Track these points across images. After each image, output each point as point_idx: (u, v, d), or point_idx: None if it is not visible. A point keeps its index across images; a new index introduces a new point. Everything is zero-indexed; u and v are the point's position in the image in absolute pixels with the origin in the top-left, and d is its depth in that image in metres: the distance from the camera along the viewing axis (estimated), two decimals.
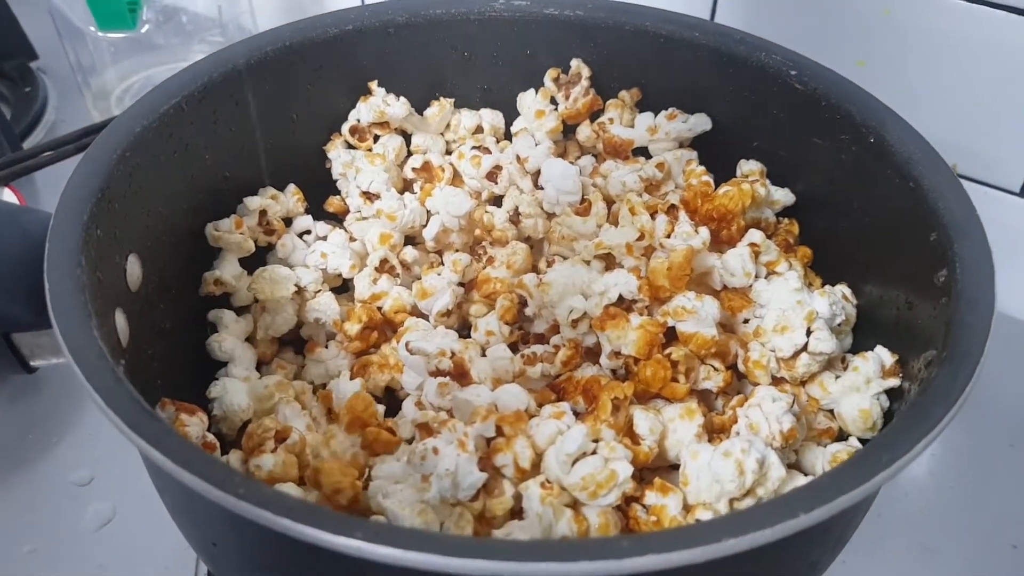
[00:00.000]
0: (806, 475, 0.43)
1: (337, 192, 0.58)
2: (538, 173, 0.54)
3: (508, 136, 0.59)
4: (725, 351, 0.46)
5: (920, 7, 0.62)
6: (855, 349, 0.47)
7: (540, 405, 0.44)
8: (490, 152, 0.55)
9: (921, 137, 0.44)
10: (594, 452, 0.39)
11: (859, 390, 0.43)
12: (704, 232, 0.47)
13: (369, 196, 0.55)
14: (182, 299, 0.49)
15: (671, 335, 0.45)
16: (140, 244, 0.44)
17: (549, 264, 0.51)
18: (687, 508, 0.40)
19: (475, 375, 0.45)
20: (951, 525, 0.56)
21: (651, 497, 0.40)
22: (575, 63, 0.57)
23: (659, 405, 0.44)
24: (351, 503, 0.37)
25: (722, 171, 0.53)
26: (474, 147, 0.56)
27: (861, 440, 0.44)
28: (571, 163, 0.55)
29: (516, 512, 0.39)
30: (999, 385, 0.62)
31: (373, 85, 0.56)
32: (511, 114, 0.59)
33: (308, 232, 0.56)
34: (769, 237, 0.50)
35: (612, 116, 0.57)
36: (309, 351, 0.52)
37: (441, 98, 0.58)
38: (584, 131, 0.58)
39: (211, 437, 0.42)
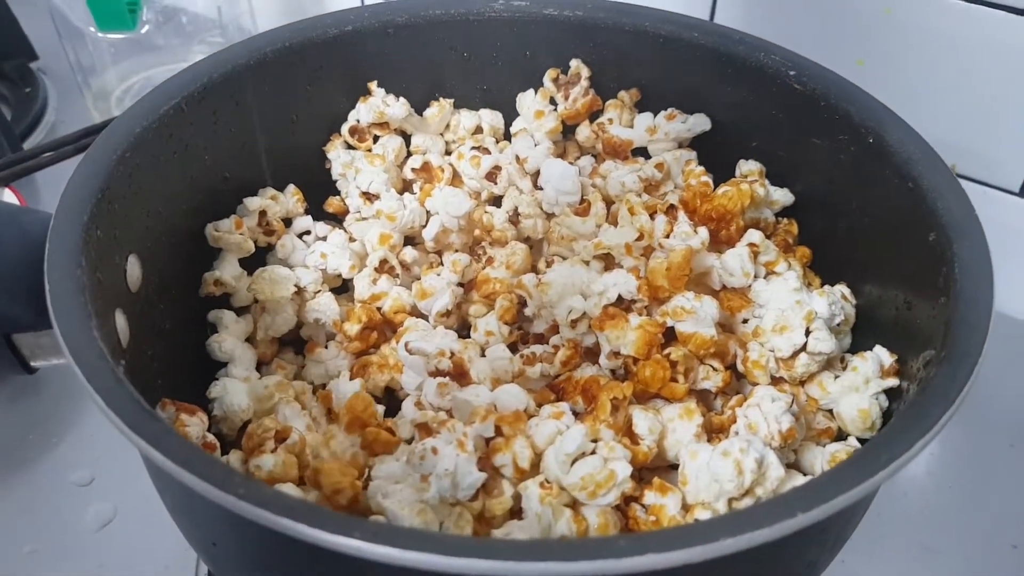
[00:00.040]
0: (805, 475, 0.43)
1: (337, 192, 0.58)
2: (537, 173, 0.55)
3: (507, 136, 0.60)
4: (724, 351, 0.46)
5: (920, 7, 0.62)
6: (854, 349, 0.47)
7: (539, 405, 0.44)
8: (489, 152, 0.55)
9: (920, 137, 0.45)
10: (593, 452, 0.40)
11: (858, 390, 0.43)
12: (703, 232, 0.47)
13: (369, 196, 0.55)
14: (182, 299, 0.49)
15: (670, 335, 0.46)
16: (140, 245, 0.44)
17: (548, 264, 0.51)
18: (686, 508, 0.40)
19: (474, 375, 0.46)
20: (951, 525, 0.56)
21: (650, 497, 0.40)
22: (574, 63, 0.57)
23: (658, 405, 0.44)
24: (351, 503, 0.37)
25: (721, 171, 0.54)
26: (473, 147, 0.56)
27: (860, 440, 0.44)
28: (570, 163, 0.55)
29: (515, 512, 0.39)
30: (999, 385, 0.62)
31: (373, 86, 0.56)
32: (510, 114, 0.59)
33: (308, 232, 0.56)
34: (768, 237, 0.50)
35: (611, 116, 0.57)
36: (309, 351, 0.52)
37: (441, 99, 0.58)
38: (583, 131, 0.58)
39: (211, 437, 0.42)
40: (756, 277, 0.48)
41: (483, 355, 0.48)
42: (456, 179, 0.57)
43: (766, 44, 0.51)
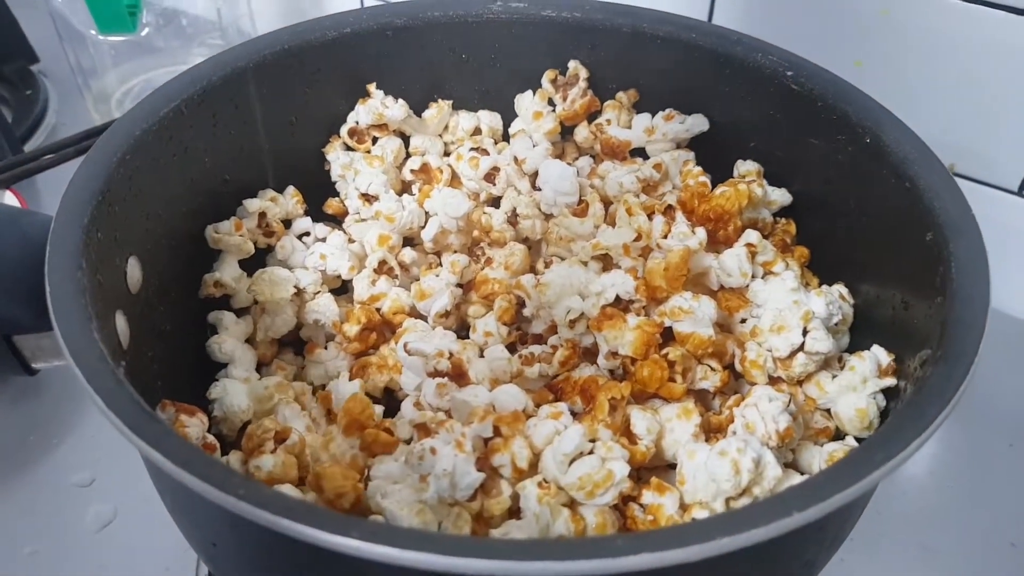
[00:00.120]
0: (803, 474, 0.43)
1: (336, 194, 0.58)
2: (536, 174, 0.55)
3: (506, 137, 0.60)
4: (722, 351, 0.46)
5: (919, 7, 0.62)
6: (852, 348, 0.47)
7: (538, 405, 0.44)
8: (488, 154, 0.55)
9: (917, 137, 0.45)
10: (591, 452, 0.40)
11: (856, 389, 0.43)
12: (701, 232, 0.47)
13: (368, 198, 0.55)
14: (182, 301, 0.49)
15: (668, 335, 0.46)
16: (140, 247, 0.44)
17: (547, 265, 0.52)
18: (684, 507, 0.40)
19: (473, 376, 0.46)
20: (950, 524, 0.56)
21: (648, 496, 0.40)
22: (573, 65, 0.57)
23: (656, 405, 0.44)
24: (354, 506, 0.38)
25: (719, 172, 0.54)
26: (472, 149, 0.56)
27: (858, 439, 0.44)
28: (569, 164, 0.55)
29: (514, 512, 0.39)
30: (998, 384, 0.62)
31: (371, 87, 0.56)
32: (509, 116, 0.60)
33: (307, 234, 0.56)
34: (766, 237, 0.50)
35: (610, 117, 0.57)
36: (308, 352, 0.52)
37: (439, 100, 0.58)
38: (582, 132, 0.58)
39: (211, 438, 0.42)
40: (754, 277, 0.48)
41: (482, 356, 0.48)
42: (455, 180, 0.57)
43: (764, 45, 0.52)
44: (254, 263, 0.52)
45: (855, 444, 0.43)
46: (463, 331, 0.51)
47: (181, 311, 0.48)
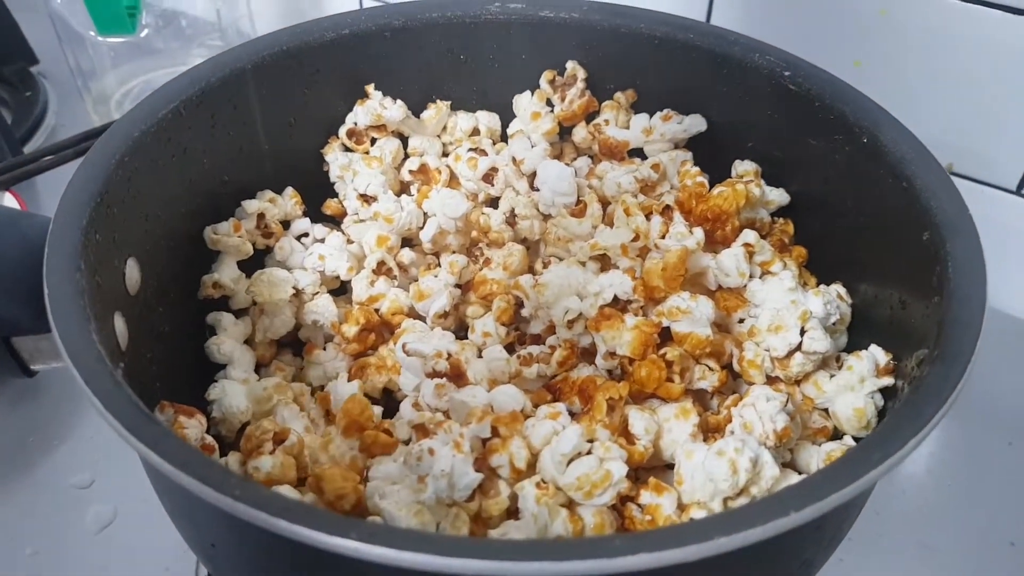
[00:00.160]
0: (801, 474, 0.43)
1: (335, 195, 0.58)
2: (534, 175, 0.55)
3: (504, 138, 0.60)
4: (720, 351, 0.46)
5: (917, 7, 0.62)
6: (850, 348, 0.47)
7: (536, 406, 0.44)
8: (486, 154, 0.56)
9: (914, 137, 0.45)
10: (589, 452, 0.40)
11: (853, 389, 0.43)
12: (698, 232, 0.47)
13: (366, 198, 0.55)
14: (181, 302, 0.49)
15: (666, 335, 0.46)
16: (139, 248, 0.44)
17: (545, 265, 0.52)
18: (682, 507, 0.40)
19: (471, 376, 0.46)
20: (949, 523, 0.56)
21: (646, 496, 0.40)
22: (571, 65, 0.57)
23: (654, 405, 0.44)
24: (354, 507, 0.38)
25: (717, 172, 0.54)
26: (470, 149, 0.56)
27: (856, 439, 0.44)
28: (567, 165, 0.55)
29: (512, 512, 0.39)
30: (997, 383, 0.62)
31: (370, 88, 0.56)
32: (507, 116, 0.60)
33: (306, 235, 0.56)
34: (764, 237, 0.50)
35: (608, 118, 0.57)
36: (307, 353, 0.52)
37: (438, 101, 0.59)
38: (580, 133, 0.58)
39: (210, 439, 0.42)
40: (752, 277, 0.48)
41: (480, 356, 0.48)
42: (453, 181, 0.57)
43: (761, 45, 0.52)
44: (253, 264, 0.53)
45: (853, 444, 0.43)
46: (462, 332, 0.52)
47: (180, 312, 0.48)
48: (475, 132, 0.59)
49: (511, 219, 0.54)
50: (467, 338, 0.50)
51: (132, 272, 0.43)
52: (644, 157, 0.57)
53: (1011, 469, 0.59)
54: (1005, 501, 0.57)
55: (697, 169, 0.54)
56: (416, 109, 0.58)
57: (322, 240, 0.56)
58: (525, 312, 0.49)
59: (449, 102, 0.59)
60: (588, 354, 0.48)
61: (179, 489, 0.30)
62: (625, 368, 0.45)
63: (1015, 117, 0.63)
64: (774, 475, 0.39)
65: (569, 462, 0.39)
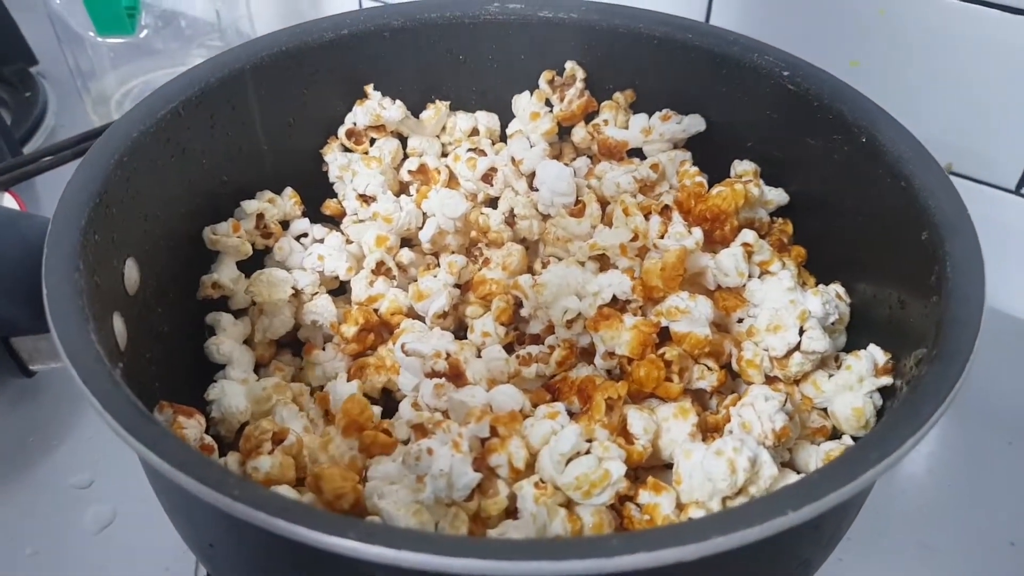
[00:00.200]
0: (800, 473, 0.43)
1: (334, 195, 0.58)
2: (533, 175, 0.55)
3: (503, 138, 0.60)
4: (719, 350, 0.46)
5: (916, 7, 0.62)
6: (849, 348, 0.47)
7: (535, 405, 0.44)
8: (485, 154, 0.56)
9: (912, 136, 0.45)
10: (588, 452, 0.40)
11: (852, 388, 0.43)
12: (697, 232, 0.47)
13: (365, 199, 0.55)
14: (180, 302, 0.49)
15: (665, 335, 0.46)
16: (138, 248, 0.44)
17: (544, 265, 0.51)
18: (680, 507, 0.40)
19: (470, 376, 0.46)
20: (949, 522, 0.56)
21: (645, 496, 0.40)
22: (570, 65, 0.57)
23: (653, 404, 0.44)
24: (353, 507, 0.38)
25: (716, 171, 0.54)
26: (470, 149, 0.56)
27: (854, 438, 0.44)
28: (566, 165, 0.55)
29: (511, 512, 0.39)
30: (996, 382, 0.62)
31: (369, 88, 0.56)
32: (506, 116, 0.60)
33: (305, 235, 0.56)
34: (763, 237, 0.50)
35: (607, 118, 0.57)
36: (306, 353, 0.52)
37: (437, 101, 0.59)
38: (579, 133, 0.58)
39: (209, 439, 0.42)
40: (750, 277, 0.48)
41: (479, 356, 0.48)
42: (452, 181, 0.57)
43: (760, 45, 0.52)
44: (252, 264, 0.53)
45: (852, 443, 0.43)
46: (461, 332, 0.52)
47: (179, 312, 0.48)
48: (474, 132, 0.59)
49: (510, 219, 0.54)
50: (466, 338, 0.50)
51: (131, 272, 0.43)
52: (643, 157, 0.57)
53: (1011, 469, 0.59)
54: (1005, 501, 0.57)
55: (696, 169, 0.54)
56: (415, 109, 0.58)
57: (321, 240, 0.56)
58: (524, 312, 0.49)
59: (448, 102, 0.59)
60: (587, 354, 0.48)
61: (177, 489, 0.30)
62: (624, 368, 0.45)
63: (1014, 117, 0.63)
64: (773, 475, 0.39)
65: (568, 462, 0.39)
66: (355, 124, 0.57)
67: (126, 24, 0.77)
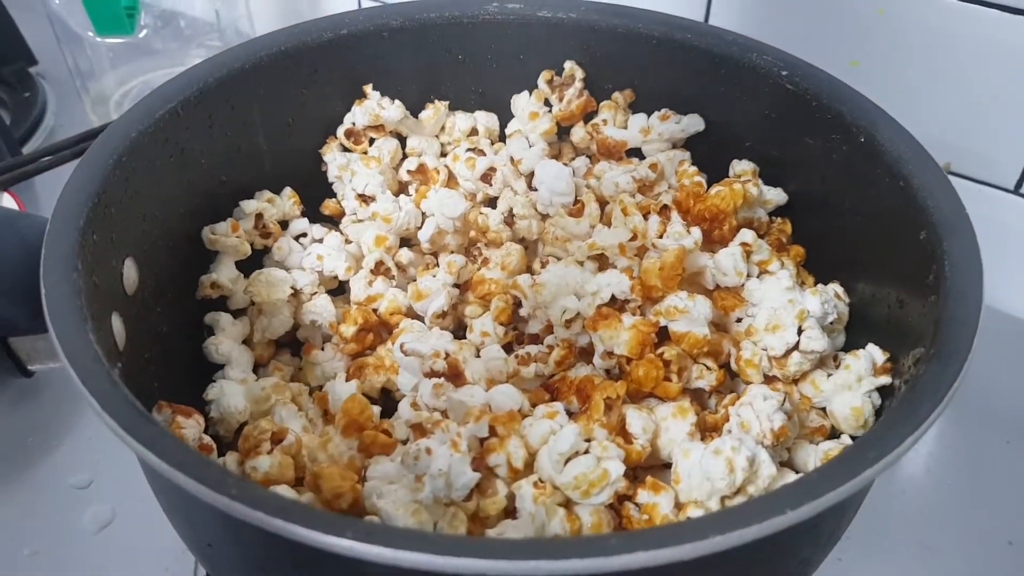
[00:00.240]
0: (798, 473, 0.43)
1: (333, 195, 0.58)
2: (532, 175, 0.55)
3: (503, 138, 0.60)
4: (718, 350, 0.46)
5: (915, 6, 0.62)
6: (848, 347, 0.47)
7: (534, 405, 0.44)
8: (484, 154, 0.56)
9: (911, 136, 0.45)
10: (587, 451, 0.40)
11: (851, 388, 0.43)
12: (696, 232, 0.47)
13: (365, 199, 0.55)
14: (179, 302, 0.49)
15: (664, 334, 0.46)
16: (136, 248, 0.44)
17: (543, 265, 0.52)
18: (679, 506, 0.40)
19: (469, 376, 0.46)
20: (948, 522, 0.56)
21: (643, 496, 0.40)
22: (569, 65, 0.57)
23: (652, 404, 0.44)
24: (352, 506, 0.38)
25: (715, 171, 0.54)
26: (469, 149, 0.56)
27: (853, 438, 0.44)
28: (565, 164, 0.55)
29: (510, 512, 0.39)
30: (995, 382, 0.62)
31: (368, 88, 0.56)
32: (505, 116, 0.60)
33: (304, 235, 0.56)
34: (762, 236, 0.51)
35: (606, 117, 0.57)
36: (306, 353, 0.52)
37: (436, 101, 0.59)
38: (578, 133, 0.58)
39: (208, 439, 0.42)
40: (749, 276, 0.48)
41: (478, 356, 0.48)
42: (451, 181, 0.57)
43: (759, 45, 0.52)
44: (251, 264, 0.53)
45: (850, 442, 0.43)
46: (460, 331, 0.52)
47: (178, 312, 0.48)
48: (473, 132, 0.59)
49: (509, 219, 0.54)
50: (465, 338, 0.50)
51: (130, 272, 0.43)
52: (642, 157, 0.57)
53: (1009, 468, 0.59)
54: (1003, 500, 0.57)
55: (695, 169, 0.54)
56: (414, 109, 0.58)
57: (320, 240, 0.56)
58: (523, 312, 0.49)
59: (447, 102, 0.59)
60: (586, 353, 0.48)
61: (176, 489, 0.30)
62: (623, 367, 0.45)
63: (1013, 117, 0.63)
64: (771, 474, 0.39)
65: (567, 461, 0.39)
66: (354, 124, 0.57)
67: (125, 24, 0.77)
